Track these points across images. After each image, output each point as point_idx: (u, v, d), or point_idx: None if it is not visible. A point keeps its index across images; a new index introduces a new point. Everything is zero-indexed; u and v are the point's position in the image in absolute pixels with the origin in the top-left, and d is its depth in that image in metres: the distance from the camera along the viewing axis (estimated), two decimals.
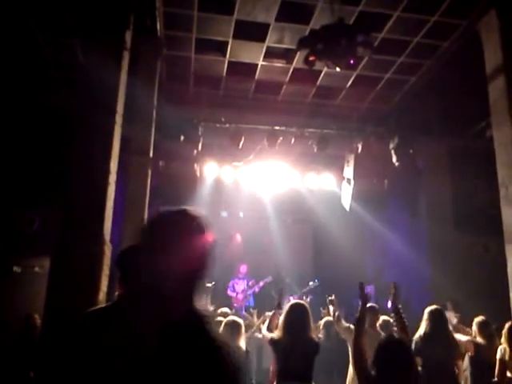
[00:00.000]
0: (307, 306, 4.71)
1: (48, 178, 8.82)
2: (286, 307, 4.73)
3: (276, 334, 4.57)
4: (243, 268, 11.11)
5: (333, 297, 5.66)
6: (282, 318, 4.62)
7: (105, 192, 4.85)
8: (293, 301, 4.86)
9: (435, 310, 5.07)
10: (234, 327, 4.68)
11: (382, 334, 5.41)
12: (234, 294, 10.61)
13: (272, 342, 4.54)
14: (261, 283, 10.84)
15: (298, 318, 4.50)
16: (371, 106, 10.94)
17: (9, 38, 8.31)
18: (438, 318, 4.97)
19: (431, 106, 10.27)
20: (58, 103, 8.71)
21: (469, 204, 10.18)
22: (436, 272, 8.89)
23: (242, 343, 4.64)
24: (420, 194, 10.55)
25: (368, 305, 5.45)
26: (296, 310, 4.59)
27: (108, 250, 4.85)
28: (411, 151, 10.01)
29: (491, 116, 7.16)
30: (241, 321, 4.84)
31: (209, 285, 5.83)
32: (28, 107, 9.27)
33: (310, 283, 10.31)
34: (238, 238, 11.05)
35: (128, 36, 5.67)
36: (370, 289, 10.40)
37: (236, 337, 4.61)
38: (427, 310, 5.10)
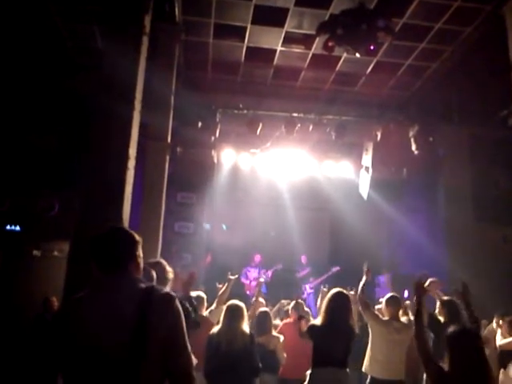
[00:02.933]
0: (349, 295, 4.77)
1: (68, 163, 8.90)
2: (328, 295, 4.75)
3: (317, 321, 4.68)
4: (257, 257, 11.18)
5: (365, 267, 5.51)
6: (324, 305, 4.69)
7: (124, 177, 4.85)
8: (336, 289, 4.83)
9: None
10: (235, 311, 4.73)
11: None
12: (247, 282, 10.67)
13: (313, 327, 4.64)
14: (270, 271, 10.95)
15: (340, 306, 4.59)
16: (391, 93, 10.79)
17: (29, 24, 8.36)
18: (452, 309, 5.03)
19: (452, 94, 10.09)
20: (77, 89, 8.76)
21: (489, 193, 10.03)
22: (454, 262, 8.79)
23: (246, 327, 4.68)
24: (439, 183, 10.41)
25: (390, 294, 5.48)
26: (338, 298, 4.66)
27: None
28: (431, 139, 9.89)
29: None
30: (242, 304, 4.87)
31: (231, 277, 5.83)
32: (47, 93, 9.34)
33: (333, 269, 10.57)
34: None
35: (147, 21, 5.63)
36: (382, 279, 10.38)
37: (238, 320, 4.65)
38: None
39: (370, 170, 10.44)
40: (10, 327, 7.83)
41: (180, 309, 2.14)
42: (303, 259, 11.43)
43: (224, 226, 12.13)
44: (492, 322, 6.76)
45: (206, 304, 5.70)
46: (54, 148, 9.42)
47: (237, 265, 9.85)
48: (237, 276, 6.12)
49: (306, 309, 6.40)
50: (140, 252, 2.32)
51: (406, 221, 10.56)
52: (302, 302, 6.46)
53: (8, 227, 9.23)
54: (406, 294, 9.28)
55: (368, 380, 5.16)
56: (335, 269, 10.79)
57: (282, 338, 5.55)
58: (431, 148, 10.05)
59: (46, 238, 9.19)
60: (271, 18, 8.19)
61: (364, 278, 5.44)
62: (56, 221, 9.01)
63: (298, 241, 11.39)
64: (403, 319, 5.44)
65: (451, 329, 3.15)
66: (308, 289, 10.78)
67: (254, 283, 10.69)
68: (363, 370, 5.23)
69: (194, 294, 5.73)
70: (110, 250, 2.21)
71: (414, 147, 9.78)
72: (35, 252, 9.36)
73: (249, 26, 8.43)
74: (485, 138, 10.10)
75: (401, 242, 10.99)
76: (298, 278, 11.29)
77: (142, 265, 2.33)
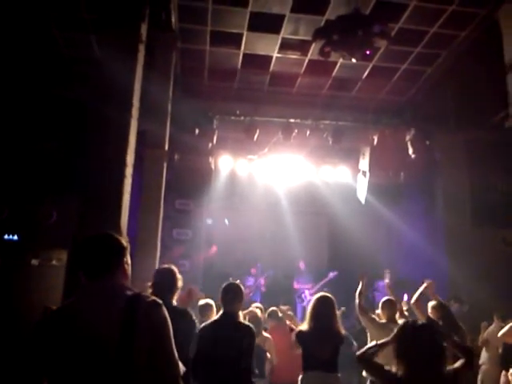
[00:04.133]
0: (333, 298, 4.77)
1: (66, 171, 8.89)
2: (312, 300, 4.77)
3: (303, 326, 4.69)
4: (253, 270, 11.21)
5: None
6: (309, 310, 4.70)
7: (121, 185, 4.86)
8: (319, 294, 4.88)
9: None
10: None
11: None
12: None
13: (300, 333, 4.65)
14: (262, 278, 10.98)
15: (325, 310, 4.60)
16: (387, 98, 10.84)
17: (27, 32, 8.38)
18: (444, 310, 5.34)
19: (448, 97, 10.13)
20: (74, 97, 8.77)
21: (487, 196, 10.03)
22: (453, 266, 8.78)
23: None
24: (437, 187, 10.42)
25: (385, 298, 5.55)
26: (323, 302, 4.68)
27: (123, 242, 4.86)
28: (428, 143, 9.90)
29: (509, 107, 7.05)
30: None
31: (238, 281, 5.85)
32: (45, 101, 9.34)
33: (330, 275, 10.57)
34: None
35: (143, 29, 5.65)
36: (382, 284, 10.36)
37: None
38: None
39: (368, 175, 10.45)
40: (9, 336, 7.79)
41: (167, 316, 2.12)
42: (301, 265, 11.39)
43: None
44: (492, 324, 6.75)
45: (214, 311, 5.73)
46: (51, 156, 9.40)
47: (235, 270, 9.85)
48: (238, 281, 6.14)
49: (280, 314, 6.42)
50: (127, 258, 2.32)
51: (405, 225, 10.56)
52: (277, 309, 6.49)
53: (6, 236, 9.20)
54: (405, 297, 9.27)
55: None
56: (332, 274, 10.77)
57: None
58: (428, 152, 10.07)
59: (45, 246, 9.14)
60: (267, 24, 8.23)
61: (360, 285, 5.55)
62: (54, 229, 8.98)
63: (296, 246, 11.37)
64: (400, 322, 5.49)
65: (405, 324, 2.95)
66: (308, 295, 10.75)
67: (247, 290, 10.70)
68: (363, 374, 5.25)
69: (203, 301, 5.78)
70: (96, 257, 2.20)
71: (410, 151, 9.79)
72: (33, 261, 9.30)
73: (245, 32, 8.47)
74: (481, 140, 10.11)
75: (399, 246, 10.99)
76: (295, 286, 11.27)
77: (129, 271, 2.32)
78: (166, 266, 4.03)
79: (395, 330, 2.94)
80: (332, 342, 4.53)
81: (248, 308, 6.45)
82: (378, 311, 5.81)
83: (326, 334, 4.51)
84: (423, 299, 5.70)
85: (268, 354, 5.68)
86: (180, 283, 3.89)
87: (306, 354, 4.58)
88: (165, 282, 3.78)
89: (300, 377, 4.59)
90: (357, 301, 5.40)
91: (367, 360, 3.10)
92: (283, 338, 5.65)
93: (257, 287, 10.91)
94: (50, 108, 9.37)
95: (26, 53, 8.88)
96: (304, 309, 10.59)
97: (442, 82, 9.82)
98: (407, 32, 8.25)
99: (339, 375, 4.57)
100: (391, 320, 5.32)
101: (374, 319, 5.35)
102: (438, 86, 10.02)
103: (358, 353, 3.18)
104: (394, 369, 2.81)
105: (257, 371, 4.77)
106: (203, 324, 4.47)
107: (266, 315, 6.58)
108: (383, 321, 5.36)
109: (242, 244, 11.76)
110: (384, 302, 5.50)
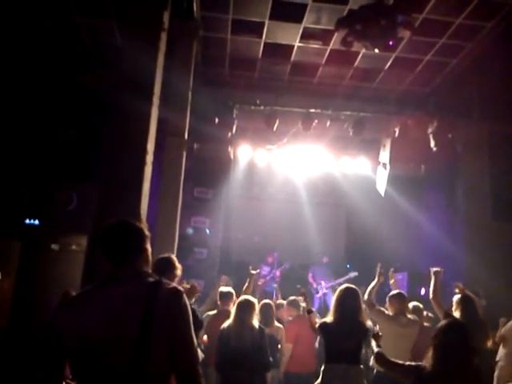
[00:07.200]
0: (358, 289, 4.75)
1: (86, 157, 8.99)
2: (337, 291, 4.75)
3: (328, 318, 4.68)
4: (270, 258, 11.19)
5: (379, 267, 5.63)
6: (334, 302, 4.68)
7: (142, 172, 4.89)
8: (344, 285, 4.85)
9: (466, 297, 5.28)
10: (246, 306, 4.78)
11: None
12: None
13: (323, 325, 4.65)
14: (278, 270, 10.97)
15: (350, 302, 4.59)
16: (410, 89, 10.68)
17: (48, 19, 8.44)
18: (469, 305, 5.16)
19: (472, 90, 9.95)
20: (96, 84, 8.83)
21: (508, 192, 9.89)
22: (472, 261, 8.69)
23: (256, 322, 4.77)
24: (458, 181, 10.29)
25: (395, 291, 5.55)
26: (348, 293, 4.65)
27: (145, 230, 4.90)
28: (450, 136, 9.77)
29: None
30: (254, 300, 4.94)
31: (253, 272, 5.88)
32: (67, 87, 9.43)
33: (351, 274, 10.36)
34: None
35: (165, 17, 5.65)
36: (401, 276, 10.28)
37: (248, 315, 4.73)
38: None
39: (388, 167, 10.35)
40: (28, 320, 7.96)
41: (187, 304, 2.15)
42: (325, 260, 11.26)
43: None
44: (510, 319, 6.66)
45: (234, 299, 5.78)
46: (73, 142, 9.51)
47: (252, 260, 9.89)
48: (258, 271, 6.18)
49: (303, 304, 6.43)
50: (148, 245, 2.34)
51: (424, 218, 10.47)
52: (299, 298, 6.50)
53: (27, 221, 9.36)
54: (422, 291, 9.21)
55: (373, 374, 5.20)
56: (353, 274, 10.55)
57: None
58: (450, 144, 9.94)
59: (64, 232, 9.29)
60: (289, 13, 8.15)
61: (376, 280, 5.53)
62: (74, 215, 9.11)
63: (313, 237, 11.35)
64: (410, 316, 5.52)
65: (441, 322, 3.00)
66: (324, 289, 10.67)
67: (261, 280, 10.72)
68: (370, 364, 5.29)
69: (225, 289, 5.84)
70: (119, 243, 2.21)
71: (432, 144, 9.67)
72: (53, 246, 9.46)
73: (267, 21, 8.41)
74: (504, 134, 9.96)
75: (418, 239, 10.90)
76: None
77: (150, 258, 2.35)
78: (164, 255, 4.12)
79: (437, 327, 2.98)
80: (357, 335, 4.51)
81: (263, 299, 6.51)
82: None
83: (351, 326, 4.49)
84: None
85: (279, 345, 5.71)
86: (179, 272, 3.96)
87: (330, 345, 4.56)
88: (162, 272, 3.83)
89: (322, 368, 4.59)
90: (366, 295, 5.34)
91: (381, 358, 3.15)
92: (305, 327, 5.62)
93: (272, 278, 10.93)
94: (71, 95, 9.46)
95: (49, 40, 8.94)
96: (320, 300, 10.58)
97: (467, 73, 9.64)
98: (431, 23, 8.09)
99: (362, 367, 4.58)
100: (400, 313, 5.33)
101: (382, 311, 5.33)
102: (462, 78, 9.84)
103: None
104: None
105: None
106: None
107: (286, 304, 6.59)
108: (391, 313, 5.37)
109: (260, 233, 11.79)
110: (393, 296, 5.46)
